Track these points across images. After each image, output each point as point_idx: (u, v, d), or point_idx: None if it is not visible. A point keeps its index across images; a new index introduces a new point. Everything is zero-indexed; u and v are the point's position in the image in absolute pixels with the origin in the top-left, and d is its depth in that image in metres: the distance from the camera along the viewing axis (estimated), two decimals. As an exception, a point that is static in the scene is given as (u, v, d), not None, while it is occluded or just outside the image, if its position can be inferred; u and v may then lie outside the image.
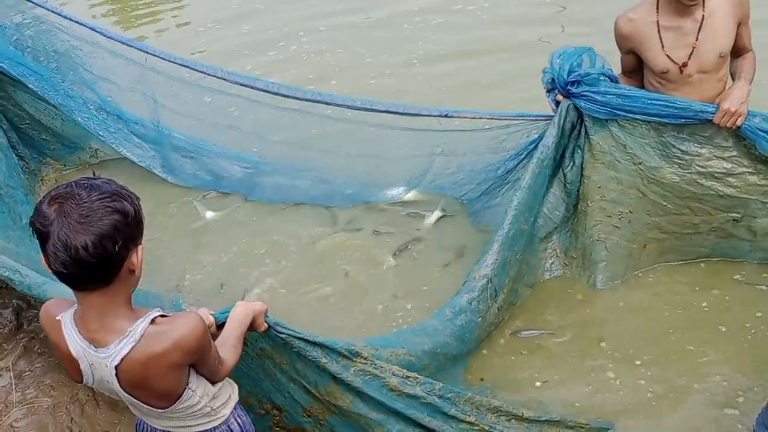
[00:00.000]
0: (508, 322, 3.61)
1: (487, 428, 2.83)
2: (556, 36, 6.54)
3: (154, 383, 2.00)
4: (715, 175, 3.59)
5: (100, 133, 4.90)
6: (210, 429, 2.22)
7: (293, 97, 4.22)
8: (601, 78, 3.52)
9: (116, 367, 1.93)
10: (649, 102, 3.47)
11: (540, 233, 3.84)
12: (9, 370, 3.62)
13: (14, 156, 4.72)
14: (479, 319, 3.24)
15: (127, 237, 1.85)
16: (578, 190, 3.77)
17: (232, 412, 2.29)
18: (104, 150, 5.16)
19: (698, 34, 3.39)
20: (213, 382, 2.21)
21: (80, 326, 1.96)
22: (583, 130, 3.67)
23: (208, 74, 4.40)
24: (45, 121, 4.94)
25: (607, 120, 3.59)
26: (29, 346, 3.76)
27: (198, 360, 2.07)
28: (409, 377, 2.75)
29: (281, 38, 7.42)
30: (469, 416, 2.82)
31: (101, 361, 1.94)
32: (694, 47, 3.41)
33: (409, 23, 7.37)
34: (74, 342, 1.96)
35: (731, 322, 3.54)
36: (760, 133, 3.43)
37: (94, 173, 1.69)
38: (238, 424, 2.30)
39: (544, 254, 3.88)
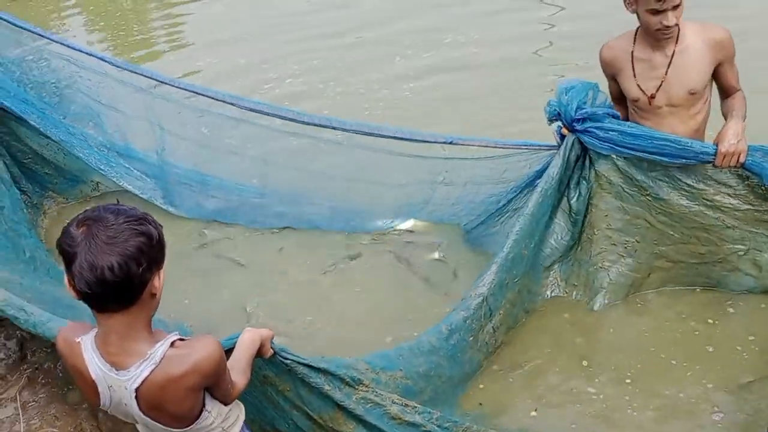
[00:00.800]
0: (504, 349, 3.56)
1: None
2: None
3: (172, 405, 2.03)
4: (722, 208, 3.59)
5: (102, 167, 4.90)
6: None
7: (301, 122, 4.25)
8: (607, 117, 3.54)
9: (136, 390, 1.96)
10: (649, 140, 3.48)
11: (545, 263, 3.84)
12: (14, 401, 3.58)
13: (17, 191, 4.70)
14: (471, 339, 3.25)
15: (151, 260, 1.91)
16: (584, 220, 3.79)
17: (240, 430, 2.32)
18: (105, 183, 5.16)
19: (668, 68, 3.46)
20: (225, 404, 2.24)
21: (101, 349, 1.99)
22: (587, 161, 3.69)
23: (217, 99, 4.44)
24: (48, 156, 4.95)
25: (614, 158, 3.60)
26: (33, 377, 3.72)
27: (214, 383, 2.11)
28: (408, 405, 2.74)
29: (275, 60, 7.55)
30: None
31: (121, 383, 1.97)
32: (662, 81, 3.48)
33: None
34: (94, 365, 1.99)
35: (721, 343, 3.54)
36: (765, 166, 3.42)
37: (117, 201, 1.79)
38: None
39: (545, 282, 3.87)
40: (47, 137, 4.84)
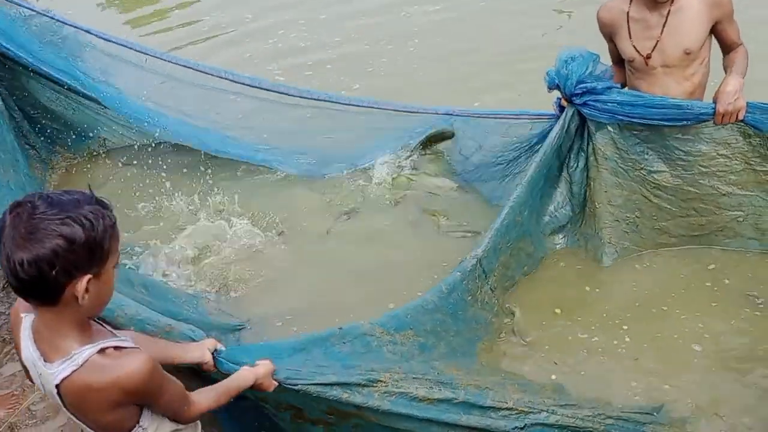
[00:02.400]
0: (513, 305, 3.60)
1: (526, 410, 2.74)
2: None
3: (94, 415, 1.86)
4: (717, 173, 3.59)
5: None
6: None
7: (313, 98, 4.54)
8: (606, 91, 3.51)
9: (57, 387, 1.81)
10: (649, 107, 3.47)
11: (545, 230, 3.88)
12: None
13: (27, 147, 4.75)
14: (469, 298, 3.27)
15: (69, 264, 1.69)
16: (585, 192, 3.80)
17: None
18: (112, 139, 5.15)
19: (663, 28, 3.44)
20: (180, 422, 2.06)
21: (35, 335, 1.86)
22: (586, 133, 3.68)
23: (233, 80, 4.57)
24: (58, 111, 4.92)
25: (608, 127, 3.60)
26: None
27: (148, 402, 1.93)
28: (433, 385, 2.66)
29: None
30: (507, 402, 2.74)
31: (47, 376, 1.83)
32: (657, 41, 3.47)
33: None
34: (27, 348, 1.86)
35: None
36: (764, 121, 3.42)
37: (89, 187, 1.61)
38: None
39: (553, 252, 3.90)
40: (59, 92, 4.82)
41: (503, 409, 2.73)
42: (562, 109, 3.71)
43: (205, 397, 2.13)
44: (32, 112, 4.93)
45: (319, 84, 5.95)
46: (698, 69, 3.56)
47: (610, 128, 3.63)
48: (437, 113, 4.35)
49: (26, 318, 1.88)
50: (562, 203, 3.89)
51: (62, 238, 1.67)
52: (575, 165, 3.79)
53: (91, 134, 5.13)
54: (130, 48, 4.71)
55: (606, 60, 3.69)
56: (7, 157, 4.25)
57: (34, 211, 1.68)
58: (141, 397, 1.89)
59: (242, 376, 2.28)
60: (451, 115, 4.30)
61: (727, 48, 3.56)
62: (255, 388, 2.33)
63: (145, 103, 4.89)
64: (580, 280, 3.79)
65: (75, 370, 1.78)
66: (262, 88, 4.62)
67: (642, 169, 3.69)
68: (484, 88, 5.78)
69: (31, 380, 1.95)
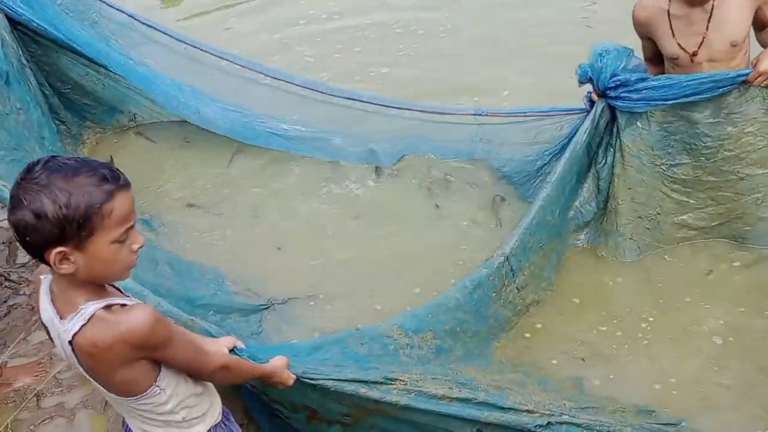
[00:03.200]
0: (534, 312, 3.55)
1: (548, 413, 2.71)
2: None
3: (105, 373, 1.86)
4: (740, 156, 3.56)
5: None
6: None
7: (333, 95, 4.62)
8: (640, 83, 3.49)
9: (71, 343, 1.81)
10: (684, 85, 3.43)
11: (570, 226, 3.84)
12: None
13: (56, 122, 4.75)
14: (494, 294, 3.24)
15: (36, 235, 1.70)
16: (608, 189, 3.77)
17: (215, 428, 2.12)
18: (141, 114, 5.16)
19: (708, 23, 3.38)
20: (199, 379, 2.06)
21: (51, 294, 1.87)
22: (615, 129, 3.65)
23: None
24: (87, 86, 4.93)
25: (638, 122, 3.57)
26: None
27: (158, 355, 1.90)
28: (453, 386, 2.64)
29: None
30: (527, 405, 2.71)
31: (62, 334, 1.83)
32: (704, 37, 3.41)
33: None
34: (45, 309, 1.87)
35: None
36: None
37: (111, 158, 1.62)
38: None
39: (575, 249, 3.87)
40: (89, 67, 4.85)
41: (524, 411, 2.69)
42: (592, 103, 3.67)
43: (222, 355, 2.15)
44: (62, 87, 4.93)
45: (346, 67, 5.97)
46: (742, 59, 3.52)
47: (639, 124, 3.60)
48: (465, 113, 4.31)
49: (45, 279, 1.89)
50: (588, 199, 3.86)
51: (30, 211, 1.68)
52: (603, 161, 3.76)
53: (121, 108, 5.14)
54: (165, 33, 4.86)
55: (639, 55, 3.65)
56: (32, 134, 4.25)
57: (26, 175, 1.72)
58: (149, 350, 1.86)
59: (260, 365, 2.28)
60: (480, 115, 4.25)
61: (762, 25, 3.50)
62: (272, 381, 2.32)
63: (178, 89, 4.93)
64: (601, 274, 3.76)
65: (84, 325, 1.78)
66: (294, 84, 4.72)
67: (663, 164, 3.67)
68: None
69: (53, 342, 1.95)
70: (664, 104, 3.52)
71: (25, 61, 4.59)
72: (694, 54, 3.48)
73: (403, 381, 2.56)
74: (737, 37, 3.41)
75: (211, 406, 2.13)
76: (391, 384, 2.53)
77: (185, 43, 4.97)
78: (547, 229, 3.59)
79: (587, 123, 3.65)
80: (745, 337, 3.37)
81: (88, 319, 1.79)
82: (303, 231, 4.33)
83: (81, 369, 1.89)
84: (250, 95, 5.03)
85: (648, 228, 3.80)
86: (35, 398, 3.35)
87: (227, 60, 4.93)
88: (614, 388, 3.17)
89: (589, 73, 3.56)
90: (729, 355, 3.30)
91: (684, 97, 3.46)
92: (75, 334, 1.79)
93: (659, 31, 3.54)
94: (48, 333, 1.92)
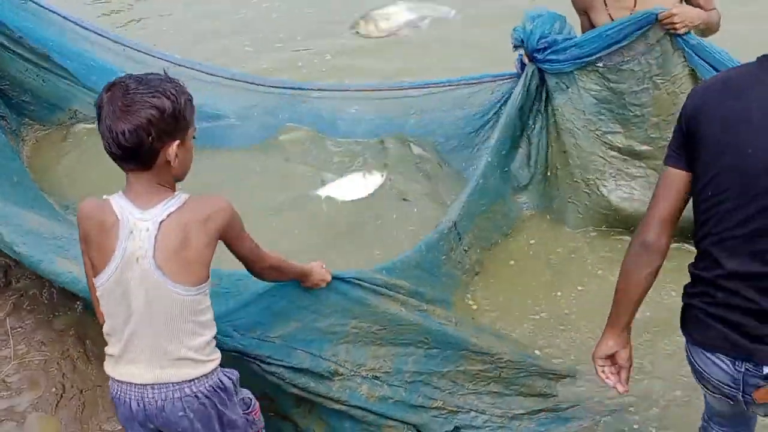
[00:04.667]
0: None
1: (455, 409, 2.91)
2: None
3: (193, 245, 2.06)
4: (668, 119, 3.57)
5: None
6: (203, 377, 2.16)
7: (272, 86, 4.63)
8: (566, 45, 3.52)
9: (160, 224, 2.03)
10: (602, 38, 3.49)
11: (509, 189, 3.89)
12: (1, 326, 3.51)
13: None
14: (443, 257, 3.36)
15: (161, 131, 1.99)
16: (546, 154, 3.79)
17: (218, 367, 2.21)
18: (83, 111, 4.95)
19: None
20: (258, 274, 2.35)
21: (129, 196, 2.07)
22: (545, 93, 3.68)
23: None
24: (26, 83, 4.79)
25: (568, 87, 3.60)
26: (18, 304, 3.64)
27: (232, 234, 2.16)
28: (377, 377, 2.79)
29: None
30: (436, 401, 2.89)
31: (144, 224, 2.04)
32: (631, 11, 3.45)
33: None
34: (120, 207, 2.06)
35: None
36: (687, 49, 3.47)
37: (164, 71, 1.92)
38: (228, 377, 2.24)
39: (520, 213, 3.92)
40: (29, 62, 4.72)
41: (432, 408, 2.89)
42: (523, 67, 3.69)
43: (275, 256, 2.36)
44: (0, 83, 4.77)
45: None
46: None
47: (569, 88, 3.61)
48: (391, 89, 4.35)
49: (112, 196, 2.10)
50: (522, 164, 3.90)
51: (155, 108, 1.97)
52: (533, 126, 3.79)
53: (61, 106, 4.97)
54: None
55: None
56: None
57: (128, 89, 1.97)
58: (234, 226, 2.14)
59: (302, 264, 2.52)
60: (406, 89, 4.29)
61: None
62: (313, 281, 2.55)
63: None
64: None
65: (180, 206, 2.05)
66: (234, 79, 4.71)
67: (597, 129, 3.67)
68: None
69: (101, 265, 2.08)
70: (589, 60, 3.55)
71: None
72: None
73: (341, 375, 2.69)
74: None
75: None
76: (332, 379, 2.69)
77: (124, 45, 4.86)
78: (488, 194, 3.68)
79: (519, 87, 3.68)
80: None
81: (184, 203, 2.06)
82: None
83: (152, 263, 2.03)
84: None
85: (587, 192, 3.79)
86: (-18, 403, 3.23)
87: (167, 61, 4.79)
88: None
89: (522, 37, 3.58)
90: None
91: (607, 47, 3.50)
92: (171, 213, 2.04)
93: (594, 5, 3.56)
94: (105, 246, 2.06)
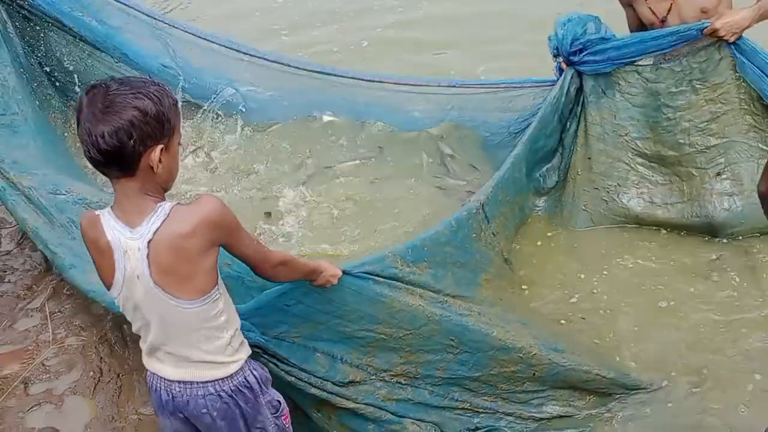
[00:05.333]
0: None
1: (480, 410, 2.93)
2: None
3: (185, 261, 1.96)
4: (699, 126, 3.53)
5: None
6: (226, 378, 2.15)
7: (316, 71, 4.54)
8: (601, 42, 3.47)
9: (149, 244, 1.93)
10: (642, 43, 3.43)
11: (531, 188, 3.89)
12: (40, 311, 3.58)
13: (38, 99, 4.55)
14: (474, 236, 3.32)
15: (143, 134, 1.87)
16: (570, 159, 3.74)
17: (247, 361, 2.21)
18: None
19: None
20: (267, 275, 2.25)
21: (117, 213, 1.98)
22: (582, 98, 3.63)
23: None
24: (71, 65, 4.82)
25: (603, 89, 3.55)
26: (58, 288, 3.70)
27: (229, 239, 2.05)
28: (400, 382, 2.82)
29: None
30: (464, 403, 2.91)
31: (134, 243, 1.94)
32: (672, 2, 3.37)
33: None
34: (111, 228, 1.97)
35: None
36: (738, 56, 3.39)
37: (149, 75, 1.88)
38: (255, 376, 2.22)
39: (534, 215, 3.90)
40: (73, 45, 4.75)
41: (456, 408, 2.91)
42: (562, 73, 3.64)
43: (280, 252, 2.30)
44: (47, 63, 4.81)
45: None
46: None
47: (604, 91, 3.58)
48: (439, 85, 4.28)
49: (103, 212, 2.00)
50: (554, 167, 3.86)
51: (137, 109, 1.86)
52: (569, 130, 3.74)
53: None
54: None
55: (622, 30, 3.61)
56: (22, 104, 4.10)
57: (108, 89, 1.86)
58: (223, 230, 2.02)
59: (321, 264, 2.44)
60: (453, 86, 4.24)
61: None
62: (322, 278, 2.45)
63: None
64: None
65: (164, 220, 1.93)
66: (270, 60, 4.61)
67: (626, 135, 3.62)
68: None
69: (110, 279, 2.04)
70: (628, 62, 3.51)
71: (12, 35, 4.45)
72: (663, 20, 3.41)
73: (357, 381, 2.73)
74: (707, 3, 3.31)
75: (244, 341, 2.23)
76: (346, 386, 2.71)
77: (155, 18, 4.80)
78: (514, 186, 3.64)
79: (555, 89, 3.65)
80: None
81: (169, 214, 1.94)
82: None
83: (151, 281, 1.97)
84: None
85: (605, 200, 3.75)
86: (22, 385, 3.29)
87: (203, 38, 4.76)
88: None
89: (555, 43, 3.53)
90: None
91: (646, 54, 3.45)
92: (156, 230, 1.93)
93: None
94: (107, 263, 2.01)
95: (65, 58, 4.86)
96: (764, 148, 3.55)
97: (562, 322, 3.40)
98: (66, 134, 4.65)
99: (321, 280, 2.44)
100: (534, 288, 3.57)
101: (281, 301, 2.52)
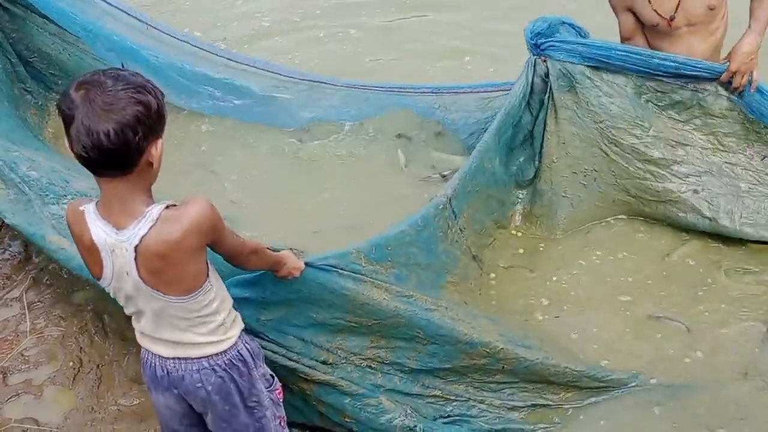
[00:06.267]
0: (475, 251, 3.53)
1: (453, 398, 2.94)
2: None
3: (176, 269, 1.98)
4: (683, 143, 3.50)
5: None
6: (220, 353, 2.19)
7: (297, 78, 4.57)
8: (562, 26, 3.44)
9: (136, 249, 1.92)
10: (627, 56, 3.37)
11: (511, 181, 3.80)
12: (19, 300, 3.55)
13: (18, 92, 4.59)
14: (440, 234, 3.27)
15: (148, 129, 1.87)
16: (541, 148, 3.67)
17: (240, 336, 2.24)
18: None
19: None
20: (243, 265, 2.28)
21: (102, 212, 1.95)
22: (547, 86, 3.56)
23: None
24: (53, 55, 4.74)
25: (574, 81, 3.49)
26: (38, 278, 3.66)
27: (216, 238, 2.06)
28: (372, 366, 2.84)
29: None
30: (435, 390, 2.91)
31: (122, 244, 1.94)
32: (679, 0, 3.30)
33: None
34: (96, 228, 1.95)
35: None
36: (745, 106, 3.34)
37: (123, 65, 1.87)
38: (248, 350, 2.26)
39: (513, 209, 3.82)
40: (56, 35, 4.68)
41: (428, 396, 2.93)
42: None
43: (251, 241, 2.29)
44: (29, 56, 4.74)
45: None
46: (720, 23, 3.40)
47: (573, 74, 3.51)
48: (423, 92, 4.30)
49: (88, 207, 1.98)
50: (528, 159, 3.80)
51: (141, 104, 1.85)
52: (538, 118, 3.70)
53: None
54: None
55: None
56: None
57: (106, 86, 1.82)
58: (214, 233, 2.04)
59: (285, 254, 2.46)
60: (437, 93, 4.28)
61: None
62: (285, 270, 2.46)
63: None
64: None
65: (152, 225, 1.92)
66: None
67: (601, 122, 3.52)
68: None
69: (98, 272, 2.05)
70: (605, 66, 3.47)
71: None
72: (672, 19, 3.35)
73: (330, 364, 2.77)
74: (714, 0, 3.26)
75: (237, 315, 2.26)
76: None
77: (147, 23, 4.74)
78: (485, 176, 3.56)
79: (521, 78, 3.60)
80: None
81: (157, 219, 1.92)
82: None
83: (140, 280, 1.99)
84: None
85: (584, 184, 3.65)
86: (1, 375, 3.26)
87: (191, 44, 4.74)
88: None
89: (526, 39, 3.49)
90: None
91: (626, 68, 3.43)
92: (143, 236, 1.91)
93: (636, 1, 3.41)
94: (95, 258, 2.01)
95: (48, 49, 4.82)
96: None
97: (536, 318, 3.36)
98: (44, 128, 4.67)
99: (284, 271, 2.44)
100: (503, 286, 3.52)
101: (258, 294, 2.58)
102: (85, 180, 3.19)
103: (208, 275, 2.08)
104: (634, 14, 3.50)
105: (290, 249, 2.59)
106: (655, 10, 3.38)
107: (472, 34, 5.80)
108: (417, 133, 4.38)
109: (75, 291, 3.60)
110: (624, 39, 3.59)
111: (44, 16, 4.62)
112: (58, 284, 3.62)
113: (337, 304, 2.70)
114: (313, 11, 6.26)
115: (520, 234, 3.76)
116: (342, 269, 2.67)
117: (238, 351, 2.23)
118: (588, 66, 3.49)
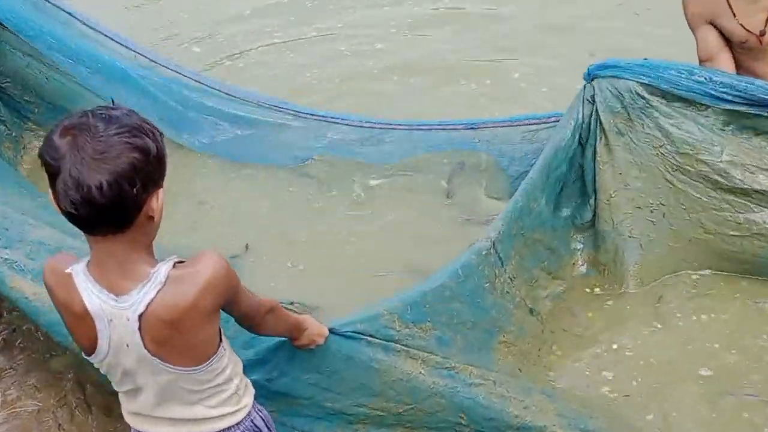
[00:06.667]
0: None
1: None
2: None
3: (185, 335, 1.77)
4: (751, 168, 3.12)
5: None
6: (234, 426, 1.99)
7: (324, 119, 4.36)
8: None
9: (140, 317, 1.70)
10: (690, 76, 3.05)
11: (566, 225, 3.41)
12: (-13, 368, 3.15)
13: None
14: (487, 285, 2.95)
15: (147, 178, 1.64)
16: (594, 183, 3.30)
17: (253, 404, 2.05)
18: None
19: None
20: (258, 328, 2.07)
21: (96, 275, 1.72)
22: (593, 109, 3.26)
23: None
24: (28, 80, 4.43)
25: (623, 100, 3.19)
26: (10, 340, 3.33)
27: (232, 299, 1.87)
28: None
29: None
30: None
31: (122, 312, 1.71)
32: None
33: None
34: (90, 294, 1.72)
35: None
36: None
37: (113, 102, 1.61)
38: (261, 418, 2.07)
39: (574, 255, 3.39)
40: (32, 56, 4.37)
41: None
42: None
43: (267, 299, 2.08)
44: (1, 81, 4.41)
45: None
46: None
47: (622, 94, 3.21)
48: (456, 128, 4.10)
49: (76, 269, 1.75)
50: (583, 197, 3.40)
51: (138, 150, 1.62)
52: (589, 149, 3.34)
53: (68, 107, 4.40)
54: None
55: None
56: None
57: (96, 130, 1.60)
58: (230, 292, 1.84)
59: (307, 319, 2.28)
60: (474, 128, 4.03)
61: None
62: (306, 336, 2.28)
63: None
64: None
65: (160, 289, 1.71)
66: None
67: (661, 146, 3.17)
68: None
69: (90, 348, 1.81)
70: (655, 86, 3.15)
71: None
72: (762, 34, 3.10)
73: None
74: None
75: (248, 380, 2.07)
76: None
77: (135, 51, 4.51)
78: (530, 217, 3.22)
79: (572, 109, 3.33)
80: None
81: (165, 282, 1.71)
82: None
83: (145, 352, 1.76)
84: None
85: (651, 221, 3.22)
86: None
87: (185, 76, 4.52)
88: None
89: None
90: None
91: (691, 93, 3.13)
92: (150, 302, 1.70)
93: (721, 17, 3.16)
94: (85, 330, 1.78)
95: (23, 72, 4.48)
96: None
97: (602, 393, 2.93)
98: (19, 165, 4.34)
99: (305, 339, 2.25)
100: (562, 350, 3.10)
101: (263, 375, 2.36)
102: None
103: (221, 339, 1.89)
104: (719, 31, 3.24)
105: (292, 303, 2.50)
106: (741, 25, 3.13)
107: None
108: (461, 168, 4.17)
109: (54, 356, 3.26)
110: (702, 62, 3.29)
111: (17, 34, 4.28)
112: (33, 347, 3.29)
113: (363, 385, 2.41)
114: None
115: (583, 287, 3.38)
116: (372, 336, 2.40)
117: (252, 421, 2.03)
118: (639, 83, 3.16)
